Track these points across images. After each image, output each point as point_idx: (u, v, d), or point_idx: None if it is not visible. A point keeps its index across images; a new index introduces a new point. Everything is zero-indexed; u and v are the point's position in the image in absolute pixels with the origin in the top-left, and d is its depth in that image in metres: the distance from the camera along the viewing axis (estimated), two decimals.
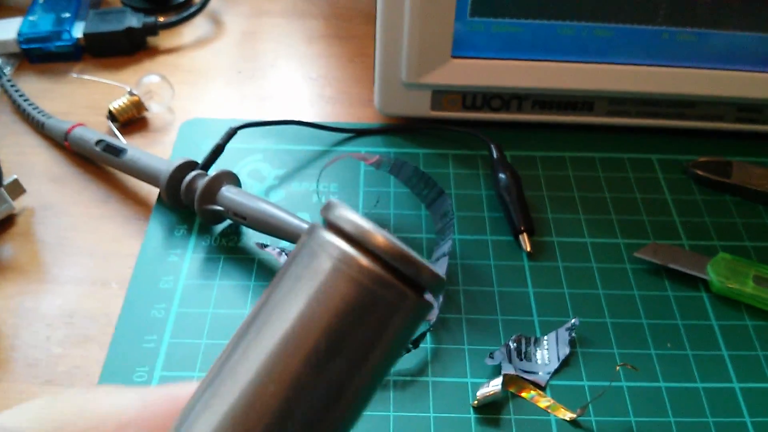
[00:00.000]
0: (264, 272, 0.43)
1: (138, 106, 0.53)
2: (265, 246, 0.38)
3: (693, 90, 0.49)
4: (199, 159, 0.46)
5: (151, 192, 0.48)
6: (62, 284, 0.43)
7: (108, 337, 0.40)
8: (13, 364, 0.39)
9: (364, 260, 0.18)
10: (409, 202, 0.47)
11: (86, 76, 0.57)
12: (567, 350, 0.39)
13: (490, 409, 0.37)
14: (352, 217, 0.19)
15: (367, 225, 0.18)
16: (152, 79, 0.53)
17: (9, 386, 0.38)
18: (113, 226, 0.46)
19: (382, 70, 0.49)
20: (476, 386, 0.38)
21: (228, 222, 0.45)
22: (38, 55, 0.58)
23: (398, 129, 0.52)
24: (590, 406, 0.37)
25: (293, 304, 0.19)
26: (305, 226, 0.40)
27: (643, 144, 0.52)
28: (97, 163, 0.50)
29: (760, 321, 0.42)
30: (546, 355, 0.39)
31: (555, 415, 0.37)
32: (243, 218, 0.42)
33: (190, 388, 0.19)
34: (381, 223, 0.46)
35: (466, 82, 0.49)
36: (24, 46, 0.57)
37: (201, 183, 0.43)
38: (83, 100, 0.55)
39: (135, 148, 0.47)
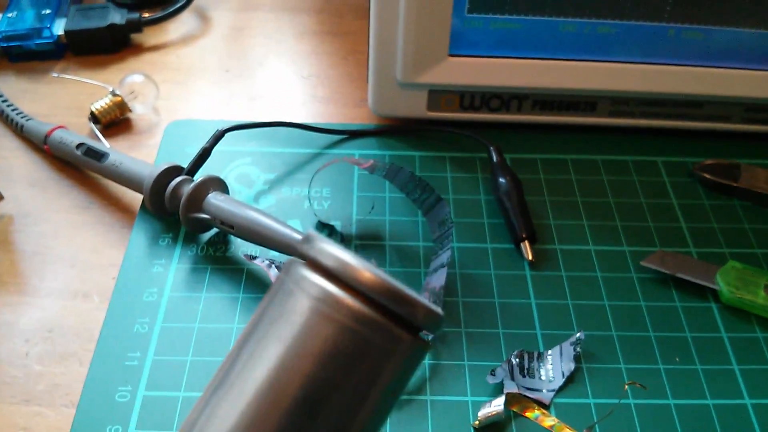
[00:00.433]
0: (253, 284, 0.40)
1: (121, 107, 0.51)
2: (254, 257, 0.37)
3: (699, 89, 0.47)
4: (185, 163, 0.44)
5: (135, 198, 0.46)
6: (42, 297, 0.41)
7: (89, 354, 0.38)
8: None
9: (348, 300, 0.16)
10: (405, 209, 0.45)
11: (67, 76, 0.54)
12: (572, 366, 0.37)
13: (492, 430, 0.35)
14: (332, 250, 0.17)
15: (351, 259, 0.16)
16: (136, 79, 0.51)
17: None
18: (95, 234, 0.44)
19: (376, 68, 0.47)
20: (477, 405, 0.36)
21: (215, 230, 0.43)
22: (17, 54, 0.56)
23: (393, 130, 0.50)
24: (597, 426, 0.35)
25: (269, 350, 0.16)
26: (296, 235, 0.38)
27: (647, 146, 0.50)
28: (78, 167, 0.47)
29: None
30: (550, 371, 0.37)
31: None
32: (231, 227, 0.40)
33: None
34: (375, 231, 0.44)
35: (464, 81, 0.47)
36: (2, 44, 0.55)
37: (186, 190, 0.41)
38: (64, 100, 0.53)
39: (117, 151, 0.45)
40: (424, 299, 0.17)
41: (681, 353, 0.39)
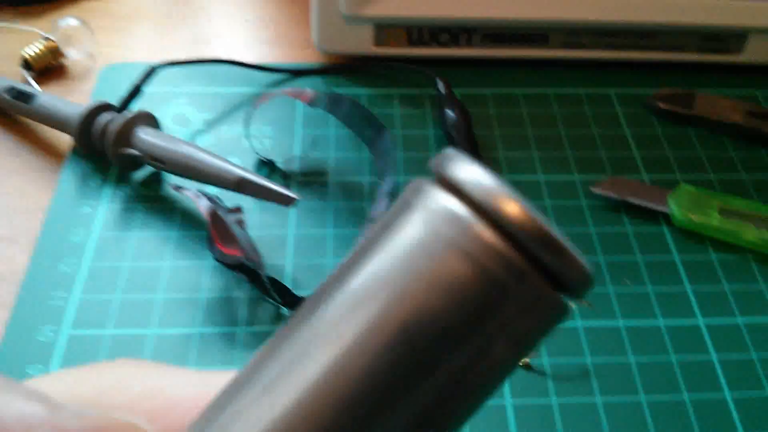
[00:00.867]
0: (188, 220, 0.39)
1: (54, 53, 0.48)
2: (181, 188, 0.35)
3: (653, 17, 0.46)
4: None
5: (66, 142, 0.43)
6: None
7: (13, 296, 0.36)
8: None
9: (488, 233, 0.12)
10: (351, 144, 0.43)
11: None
12: None
13: None
14: (475, 170, 0.13)
15: (499, 185, 0.13)
16: (70, 23, 0.49)
17: None
18: (24, 179, 0.42)
19: (319, 0, 0.45)
20: None
21: (150, 169, 0.41)
22: None
23: (339, 69, 0.48)
24: (543, 347, 0.34)
25: (372, 263, 0.13)
26: (233, 168, 0.36)
27: (601, 78, 0.49)
28: (8, 113, 0.45)
29: (727, 254, 0.39)
30: None
31: None
32: (161, 162, 0.38)
33: None
34: (320, 167, 0.42)
35: (411, 13, 0.45)
36: None
37: (114, 125, 0.39)
38: None
39: (48, 94, 0.43)
40: (579, 253, 0.13)
41: (632, 277, 0.37)
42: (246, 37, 0.53)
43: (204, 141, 0.43)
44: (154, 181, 0.41)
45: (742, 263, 0.39)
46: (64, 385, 0.16)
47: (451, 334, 0.12)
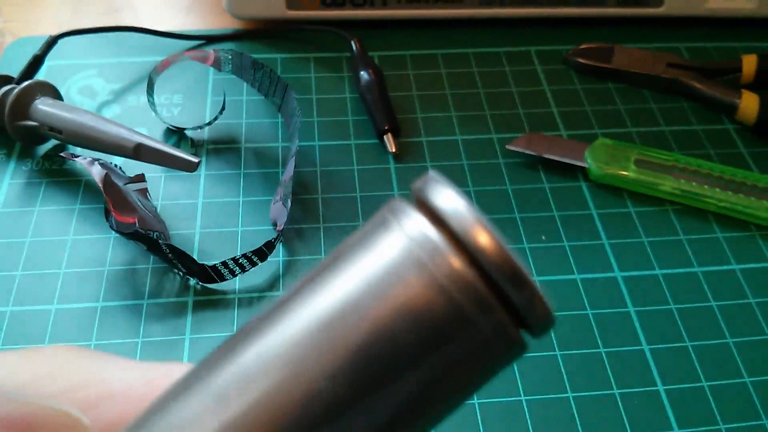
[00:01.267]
0: (91, 194, 0.37)
1: None
2: (76, 156, 0.33)
3: None
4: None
5: None
6: None
7: None
8: None
9: (455, 260, 0.12)
10: (263, 110, 0.42)
11: None
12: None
13: None
14: (452, 196, 0.13)
15: (473, 214, 0.13)
16: None
17: None
18: None
19: None
20: None
21: (53, 143, 0.40)
22: None
23: (253, 34, 0.47)
24: None
25: (340, 279, 0.13)
26: (131, 135, 0.35)
27: (520, 36, 0.48)
28: None
29: (644, 207, 0.39)
30: None
31: None
32: (59, 132, 0.36)
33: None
34: (231, 134, 0.41)
35: None
36: None
37: (10, 97, 0.37)
38: None
39: None
40: (545, 293, 0.13)
41: (548, 232, 0.37)
42: (161, 5, 0.51)
43: (111, 111, 0.42)
44: (57, 155, 0.39)
45: (661, 215, 0.38)
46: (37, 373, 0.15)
47: (412, 357, 0.13)
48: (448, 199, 0.13)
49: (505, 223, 0.37)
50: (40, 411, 0.13)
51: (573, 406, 0.31)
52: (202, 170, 0.39)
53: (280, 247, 0.36)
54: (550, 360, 0.32)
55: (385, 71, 0.44)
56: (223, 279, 0.33)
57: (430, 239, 0.13)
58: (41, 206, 0.37)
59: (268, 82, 0.40)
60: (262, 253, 0.34)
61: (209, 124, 0.40)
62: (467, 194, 0.38)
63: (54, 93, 0.39)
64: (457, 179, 0.39)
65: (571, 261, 0.36)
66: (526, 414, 0.30)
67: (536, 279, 0.35)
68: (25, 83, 0.37)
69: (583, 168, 0.39)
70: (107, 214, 0.32)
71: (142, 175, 0.35)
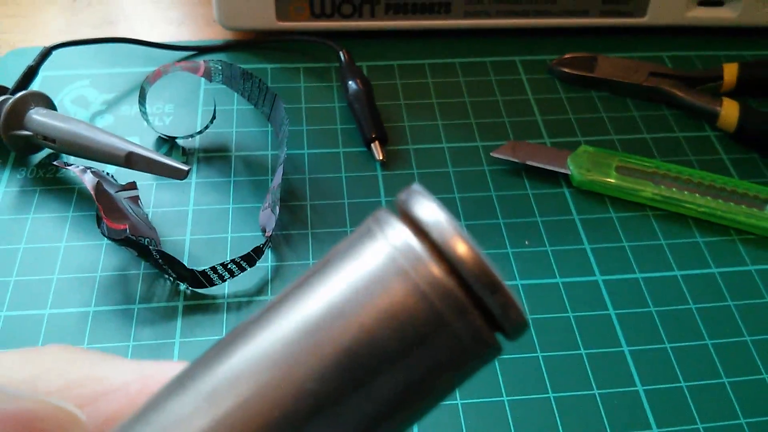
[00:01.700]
0: (84, 202, 0.38)
1: None
2: (69, 165, 0.34)
3: None
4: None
5: None
6: None
7: None
8: None
9: (444, 275, 0.13)
10: (253, 119, 0.43)
11: None
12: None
13: None
14: (434, 208, 0.14)
15: (452, 225, 0.14)
16: None
17: None
18: None
19: None
20: None
21: (47, 152, 0.40)
22: None
23: (244, 44, 0.48)
24: None
25: (324, 287, 0.14)
26: (122, 144, 0.36)
27: (506, 46, 0.49)
28: None
29: (625, 212, 0.39)
30: None
31: None
32: (52, 141, 0.37)
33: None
34: (221, 143, 0.42)
35: None
36: None
37: (5, 107, 0.38)
38: None
39: None
40: (519, 300, 0.14)
41: (531, 237, 0.38)
42: (153, 17, 0.52)
43: (104, 121, 0.43)
44: (51, 163, 0.40)
45: (642, 220, 0.39)
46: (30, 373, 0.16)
47: (395, 360, 0.13)
48: (429, 211, 0.14)
49: (490, 228, 0.38)
50: (38, 407, 0.14)
51: (554, 406, 0.32)
52: (193, 178, 0.40)
53: (268, 253, 0.36)
54: (532, 361, 0.33)
55: (374, 81, 0.45)
56: (212, 284, 0.34)
57: (413, 249, 0.14)
58: (35, 213, 0.38)
59: (257, 91, 0.41)
60: (251, 258, 0.34)
61: (200, 132, 0.41)
62: (453, 201, 0.39)
63: (48, 103, 0.39)
64: (443, 186, 0.40)
65: (554, 265, 0.37)
66: (508, 414, 0.31)
67: (519, 283, 0.36)
68: (20, 94, 0.38)
69: (565, 175, 0.40)
70: (99, 221, 0.33)
71: (134, 183, 0.36)
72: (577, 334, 0.34)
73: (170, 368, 0.16)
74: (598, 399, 0.32)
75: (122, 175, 0.38)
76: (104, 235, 0.32)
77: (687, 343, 0.34)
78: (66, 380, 0.16)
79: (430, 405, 0.15)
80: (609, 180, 0.39)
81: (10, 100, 0.38)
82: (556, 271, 0.36)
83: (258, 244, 0.35)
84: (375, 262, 0.14)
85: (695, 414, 0.32)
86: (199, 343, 0.33)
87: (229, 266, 0.34)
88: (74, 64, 0.46)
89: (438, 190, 0.40)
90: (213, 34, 0.50)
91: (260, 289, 0.35)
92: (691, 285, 0.36)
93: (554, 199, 0.40)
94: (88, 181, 0.32)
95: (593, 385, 0.32)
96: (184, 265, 0.33)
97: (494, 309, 0.13)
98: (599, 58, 0.47)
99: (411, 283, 0.13)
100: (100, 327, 0.33)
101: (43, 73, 0.44)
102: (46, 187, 0.39)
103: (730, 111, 0.43)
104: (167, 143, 0.41)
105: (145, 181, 0.39)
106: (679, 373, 0.33)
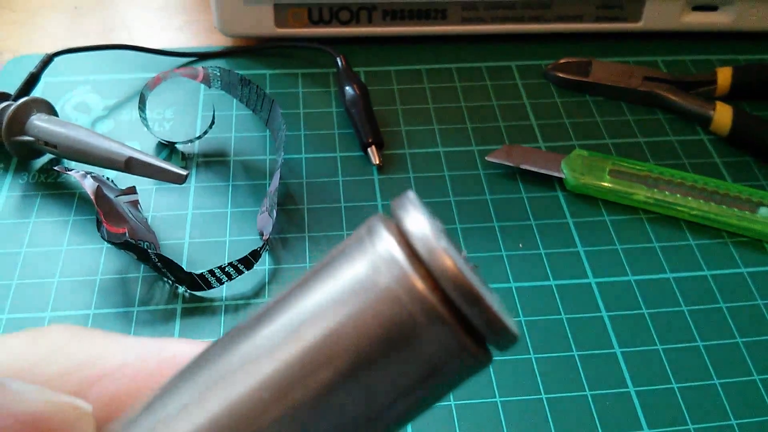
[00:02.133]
0: (84, 206, 0.39)
1: None
2: (70, 170, 0.35)
3: None
4: None
5: None
6: None
7: None
8: None
9: (424, 287, 0.14)
10: (252, 124, 0.44)
11: None
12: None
13: None
14: (421, 219, 0.14)
15: (437, 238, 0.14)
16: None
17: None
18: None
19: None
20: None
21: (48, 157, 0.41)
22: None
23: (243, 51, 0.49)
24: None
25: (310, 286, 0.15)
26: (122, 149, 0.36)
27: (501, 52, 0.50)
28: None
29: (619, 215, 0.40)
30: None
31: None
32: (54, 147, 0.38)
33: (184, 348, 0.17)
34: (220, 148, 0.42)
35: None
36: None
37: (7, 113, 0.38)
38: None
39: None
40: (504, 311, 0.14)
41: (525, 240, 0.38)
42: (155, 24, 0.53)
43: (105, 127, 0.43)
44: (53, 168, 0.41)
45: (635, 223, 0.40)
46: (2, 352, 0.16)
47: (373, 367, 0.14)
48: (416, 222, 0.14)
49: (485, 231, 0.39)
50: (46, 408, 0.14)
51: (546, 407, 0.32)
52: (192, 182, 0.40)
53: (266, 256, 0.37)
54: (525, 363, 0.34)
55: (371, 86, 0.46)
56: (210, 287, 0.35)
57: (396, 261, 0.14)
58: (36, 218, 0.38)
59: (255, 97, 0.42)
60: (248, 261, 0.35)
61: (199, 138, 0.42)
62: (448, 204, 0.40)
63: (49, 109, 0.40)
64: (439, 190, 0.40)
65: (547, 267, 0.37)
66: (501, 415, 0.32)
67: (513, 285, 0.36)
68: (22, 100, 0.39)
69: (559, 178, 0.41)
70: (99, 225, 0.33)
71: (133, 187, 0.36)
72: (569, 335, 0.35)
73: (170, 345, 0.17)
74: (590, 400, 0.33)
75: (122, 179, 0.38)
76: (104, 239, 0.33)
77: (679, 345, 0.35)
78: (68, 364, 0.16)
79: (417, 411, 0.15)
80: (602, 183, 0.40)
81: (12, 107, 0.38)
82: (549, 273, 0.37)
83: (256, 248, 0.35)
84: (361, 272, 0.14)
85: (686, 415, 0.32)
86: None
87: (227, 269, 0.34)
88: (75, 71, 0.47)
89: (434, 193, 0.40)
90: (213, 40, 0.51)
91: (258, 292, 0.36)
92: (683, 287, 0.37)
93: (548, 202, 0.40)
94: (89, 185, 0.33)
95: (585, 386, 0.33)
96: (183, 269, 0.34)
97: (479, 325, 0.14)
98: (594, 62, 0.47)
99: (392, 294, 0.14)
100: (101, 329, 0.34)
101: (44, 79, 0.45)
102: (47, 192, 0.40)
103: (723, 115, 0.44)
104: (167, 148, 0.42)
105: (144, 185, 0.39)
106: (670, 374, 0.34)
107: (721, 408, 0.33)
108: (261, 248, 0.35)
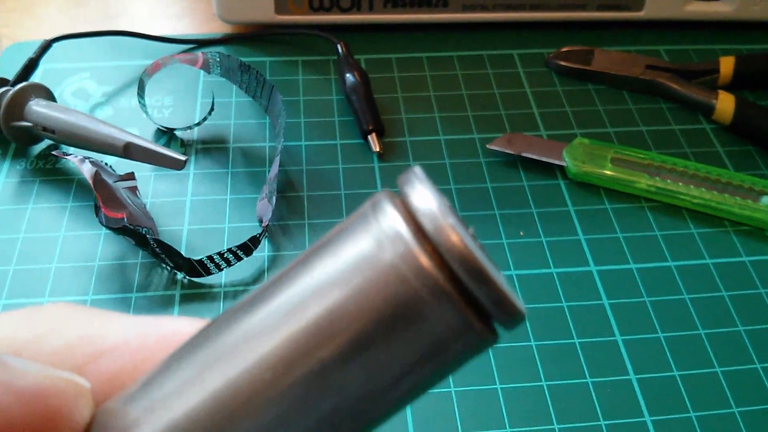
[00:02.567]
0: (83, 192, 0.38)
1: None
2: (68, 154, 0.35)
3: None
4: None
5: None
6: None
7: None
8: None
9: (430, 264, 0.13)
10: (252, 112, 0.44)
11: None
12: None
13: None
14: (428, 194, 0.14)
15: (444, 214, 0.13)
16: None
17: None
18: None
19: None
20: None
21: (47, 143, 0.41)
22: None
23: (243, 38, 0.48)
24: None
25: (312, 263, 0.14)
26: (120, 134, 0.36)
27: (503, 40, 0.49)
28: None
29: (620, 204, 0.40)
30: None
31: None
32: (52, 132, 0.37)
33: (183, 326, 0.17)
34: (220, 135, 0.42)
35: None
36: None
37: (5, 98, 0.38)
38: None
39: None
40: (510, 288, 0.14)
41: (526, 228, 0.38)
42: (154, 11, 0.52)
43: (104, 113, 0.43)
44: (51, 154, 0.40)
45: (636, 211, 0.39)
46: (1, 329, 0.16)
47: (375, 344, 0.13)
48: (422, 197, 0.14)
49: (486, 219, 0.38)
50: (47, 382, 0.14)
51: (547, 394, 0.32)
52: (191, 169, 0.40)
53: (265, 243, 0.37)
54: (526, 350, 0.33)
55: (371, 74, 0.46)
56: (209, 273, 0.35)
57: (403, 238, 0.13)
58: (35, 203, 0.38)
59: (255, 83, 0.41)
60: (248, 248, 0.35)
61: (198, 124, 0.41)
62: (449, 192, 0.39)
63: (48, 95, 0.40)
64: (440, 177, 0.40)
65: (548, 255, 0.37)
66: (502, 401, 0.32)
67: (514, 273, 0.36)
68: (20, 85, 0.38)
69: (561, 166, 0.41)
70: (97, 210, 0.33)
71: (132, 173, 0.36)
72: (570, 323, 0.34)
73: (168, 323, 0.17)
74: (591, 387, 0.32)
75: (121, 165, 0.38)
76: (102, 224, 0.33)
77: (680, 333, 0.34)
78: (67, 340, 0.16)
79: (421, 390, 0.15)
80: (604, 171, 0.40)
81: (11, 92, 0.38)
82: (550, 261, 0.37)
83: (255, 234, 0.35)
84: (365, 249, 0.14)
85: (687, 402, 0.32)
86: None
87: (226, 255, 0.34)
88: (74, 57, 0.46)
89: (435, 181, 0.39)
90: (212, 27, 0.50)
91: (257, 278, 0.35)
92: (684, 275, 0.37)
93: (550, 190, 0.40)
94: (87, 170, 0.33)
95: (586, 373, 0.33)
96: (182, 254, 0.33)
97: (485, 302, 0.13)
98: (596, 51, 0.47)
99: (397, 271, 0.13)
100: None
101: (43, 65, 0.45)
102: (45, 178, 0.39)
103: (726, 104, 0.44)
104: (166, 135, 0.42)
105: (143, 171, 0.39)
106: (671, 362, 0.33)
107: (723, 396, 0.32)
108: (260, 235, 0.35)
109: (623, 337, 0.34)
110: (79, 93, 0.44)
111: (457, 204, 0.39)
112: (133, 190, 0.36)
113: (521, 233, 0.38)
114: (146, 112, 0.41)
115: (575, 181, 0.40)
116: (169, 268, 0.35)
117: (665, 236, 0.38)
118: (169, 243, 0.33)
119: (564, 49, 0.47)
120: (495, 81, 0.46)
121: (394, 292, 0.13)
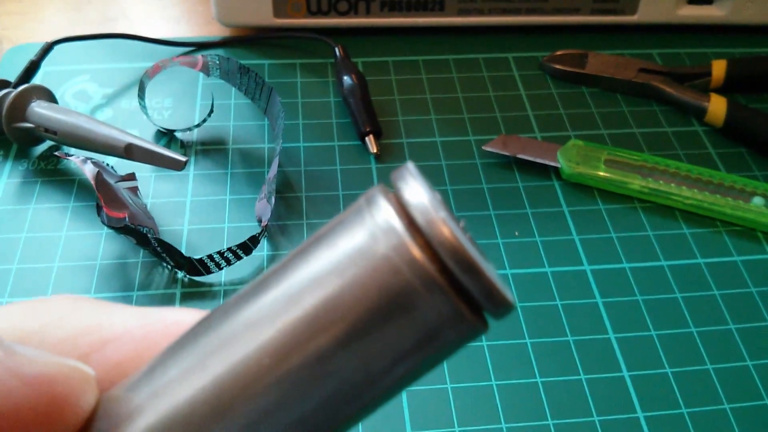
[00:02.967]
0: (84, 192, 0.39)
1: None
2: (70, 155, 0.35)
3: None
4: None
5: None
6: None
7: None
8: None
9: (422, 256, 0.14)
10: (251, 113, 0.44)
11: None
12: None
13: None
14: (420, 188, 0.14)
15: (436, 207, 0.14)
16: None
17: None
18: None
19: None
20: None
21: (48, 144, 0.41)
22: None
23: (241, 41, 0.49)
24: None
25: (307, 253, 0.15)
26: (121, 135, 0.37)
27: (498, 43, 0.50)
28: None
29: (613, 204, 0.40)
30: None
31: None
32: (53, 133, 0.38)
33: (185, 316, 0.17)
34: (219, 136, 0.43)
35: None
36: None
37: (7, 100, 0.39)
38: None
39: None
40: (501, 280, 0.14)
41: (521, 228, 0.39)
42: (154, 15, 0.53)
43: (104, 115, 0.44)
44: (53, 155, 0.41)
45: (629, 212, 0.40)
46: (8, 320, 0.17)
47: (369, 334, 0.14)
48: (415, 191, 0.14)
49: (481, 219, 0.39)
50: (54, 369, 0.15)
51: (541, 390, 0.33)
52: (191, 170, 0.41)
53: (264, 242, 0.37)
54: (521, 347, 0.34)
55: (369, 76, 0.46)
56: (209, 272, 0.35)
57: (396, 231, 0.14)
58: (36, 204, 0.39)
59: (254, 85, 0.42)
60: (247, 247, 0.35)
61: (198, 126, 0.42)
62: (445, 193, 0.40)
63: (49, 97, 0.40)
64: (436, 179, 0.41)
65: (543, 255, 0.38)
66: (497, 398, 0.32)
67: (509, 272, 0.37)
68: (22, 87, 0.39)
69: (555, 168, 0.41)
70: (99, 210, 0.33)
71: (133, 174, 0.36)
72: (564, 321, 0.35)
73: (170, 314, 0.17)
74: (585, 384, 0.33)
75: (122, 166, 0.39)
76: (104, 224, 0.33)
77: (672, 331, 0.35)
78: (72, 330, 0.16)
79: (414, 377, 0.15)
80: (598, 173, 0.40)
81: (13, 94, 0.39)
82: (545, 260, 0.37)
83: (254, 234, 0.35)
84: (360, 242, 0.14)
85: (680, 399, 0.33)
86: None
87: (226, 254, 0.35)
88: (75, 60, 0.47)
89: (431, 182, 0.40)
90: (211, 31, 0.51)
91: (256, 277, 0.36)
92: (677, 275, 0.37)
93: (544, 191, 0.41)
94: (89, 170, 0.33)
95: (580, 370, 0.33)
96: (182, 253, 0.34)
97: (475, 293, 0.14)
98: (590, 54, 0.48)
99: (390, 263, 0.14)
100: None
101: (44, 67, 0.45)
102: (47, 178, 0.40)
103: (717, 106, 0.44)
104: (166, 136, 0.42)
105: (144, 172, 0.40)
106: (664, 359, 0.34)
107: (714, 392, 0.33)
108: (260, 234, 0.36)
109: (616, 335, 0.35)
110: (80, 95, 0.45)
111: (453, 204, 0.39)
112: (134, 190, 0.37)
113: (516, 233, 0.38)
114: (146, 114, 0.42)
115: (569, 182, 0.41)
116: (169, 267, 0.36)
117: (658, 236, 0.39)
118: (169, 242, 0.34)
119: (558, 53, 0.48)
120: (490, 84, 0.47)
121: (387, 282, 0.14)
